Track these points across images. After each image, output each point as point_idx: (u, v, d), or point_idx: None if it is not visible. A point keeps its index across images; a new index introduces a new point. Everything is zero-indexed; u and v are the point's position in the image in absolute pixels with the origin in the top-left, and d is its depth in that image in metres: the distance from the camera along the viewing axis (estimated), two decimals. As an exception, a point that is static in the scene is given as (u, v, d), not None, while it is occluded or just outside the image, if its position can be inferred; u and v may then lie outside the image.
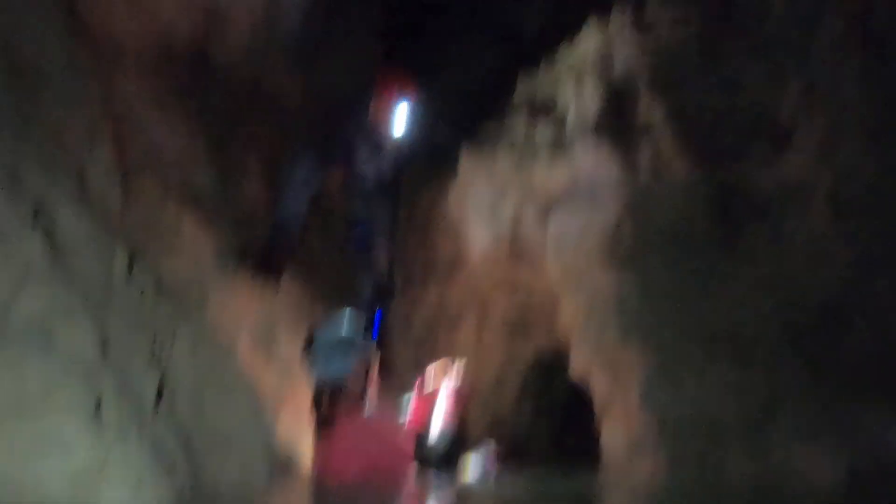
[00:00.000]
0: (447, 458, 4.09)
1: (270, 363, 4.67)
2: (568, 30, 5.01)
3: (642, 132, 4.37)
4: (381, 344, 5.29)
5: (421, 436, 4.10)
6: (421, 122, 5.24)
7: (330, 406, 3.93)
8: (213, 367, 3.68)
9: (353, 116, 5.32)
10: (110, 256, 3.02)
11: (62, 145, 3.34)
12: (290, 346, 4.87)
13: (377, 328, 5.25)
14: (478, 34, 6.53)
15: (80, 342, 2.52)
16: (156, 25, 4.85)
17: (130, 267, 3.12)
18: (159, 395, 2.95)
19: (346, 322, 3.85)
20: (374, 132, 5.28)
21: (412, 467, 3.91)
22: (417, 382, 4.29)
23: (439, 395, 4.23)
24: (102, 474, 2.27)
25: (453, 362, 4.20)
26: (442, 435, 4.03)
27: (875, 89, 3.80)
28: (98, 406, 2.40)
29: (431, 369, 4.22)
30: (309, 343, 3.74)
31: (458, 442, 4.13)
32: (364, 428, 3.81)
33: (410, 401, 4.26)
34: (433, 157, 5.74)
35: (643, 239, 4.29)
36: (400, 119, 5.14)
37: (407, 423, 4.12)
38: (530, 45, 5.85)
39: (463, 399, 4.21)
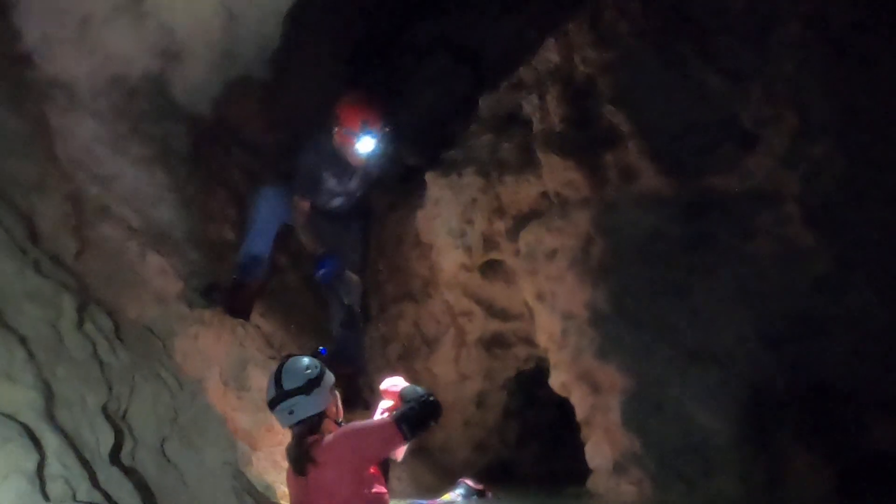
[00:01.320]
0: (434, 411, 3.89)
1: (243, 402, 4.57)
2: (528, 50, 4.95)
3: (608, 145, 4.31)
4: (356, 373, 5.20)
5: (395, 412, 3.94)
6: (386, 145, 5.17)
7: (313, 440, 3.81)
8: (178, 414, 3.58)
9: (318, 145, 5.24)
10: (57, 309, 2.92)
11: (7, 197, 3.25)
12: (265, 382, 4.76)
13: (326, 355, 5.15)
14: (441, 58, 6.48)
15: (20, 401, 2.42)
16: (109, 66, 4.77)
17: (81, 319, 3.03)
18: (114, 450, 2.85)
19: (304, 360, 3.74)
20: (340, 160, 5.21)
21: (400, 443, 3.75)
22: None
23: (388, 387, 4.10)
24: (46, 541, 2.18)
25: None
26: (411, 388, 3.88)
27: (838, 90, 3.75)
28: (40, 467, 2.31)
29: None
30: (282, 393, 3.59)
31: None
32: (336, 442, 3.68)
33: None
34: (400, 180, 5.67)
35: (615, 253, 4.21)
36: (366, 144, 5.06)
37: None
38: (492, 67, 5.82)
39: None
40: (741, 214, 3.92)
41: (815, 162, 3.72)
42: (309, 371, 3.70)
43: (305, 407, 3.64)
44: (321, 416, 3.72)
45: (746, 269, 3.91)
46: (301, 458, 3.69)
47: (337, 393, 3.88)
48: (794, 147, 3.73)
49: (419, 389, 3.82)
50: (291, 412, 3.64)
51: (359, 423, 3.86)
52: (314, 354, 3.79)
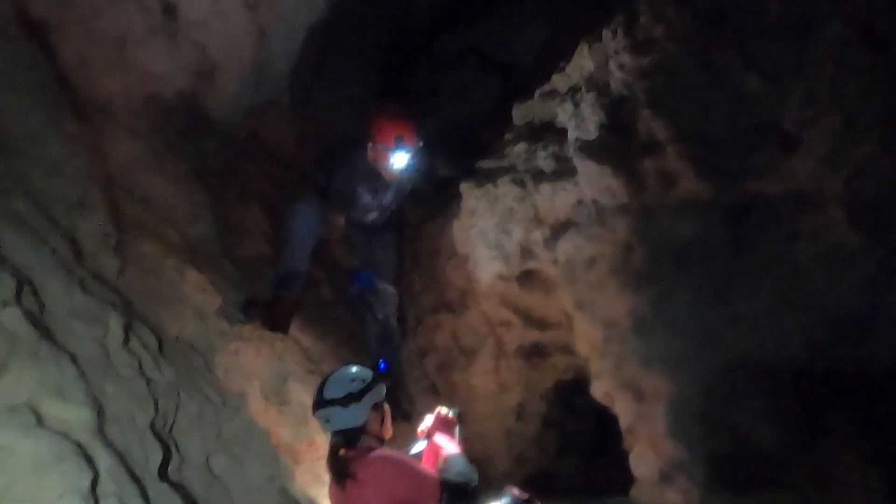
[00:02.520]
0: (472, 491, 3.92)
1: (284, 416, 4.57)
2: (561, 57, 4.93)
3: (646, 151, 4.26)
4: (395, 385, 5.19)
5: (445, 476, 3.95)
6: (420, 158, 5.18)
7: (348, 454, 3.81)
8: (221, 429, 3.59)
9: (352, 160, 5.26)
10: (104, 326, 2.94)
11: (49, 215, 3.28)
12: (305, 396, 4.77)
13: (387, 368, 5.17)
14: (471, 68, 6.50)
15: (72, 419, 2.43)
16: (144, 85, 4.83)
17: (126, 335, 3.04)
18: (163, 466, 2.85)
19: (353, 371, 3.76)
20: (374, 174, 5.23)
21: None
22: (419, 431, 4.15)
23: (437, 436, 4.10)
24: (101, 558, 2.18)
25: (449, 411, 4.08)
26: (462, 464, 3.88)
27: (879, 90, 3.68)
28: (94, 486, 2.31)
29: (428, 419, 4.09)
30: (321, 401, 3.63)
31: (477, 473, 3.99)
32: (384, 468, 3.69)
33: (417, 447, 4.13)
34: (435, 191, 5.67)
35: (655, 261, 4.16)
36: (400, 159, 5.08)
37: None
38: (523, 75, 5.82)
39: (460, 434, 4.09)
40: (783, 218, 3.86)
41: (858, 163, 3.66)
42: (353, 384, 3.71)
43: (341, 419, 3.67)
44: (358, 430, 3.73)
45: (789, 273, 3.85)
46: (338, 471, 3.71)
47: (386, 409, 3.89)
48: (837, 148, 3.66)
49: (472, 469, 3.81)
50: (327, 421, 3.69)
51: (408, 461, 3.85)
52: (374, 367, 3.80)
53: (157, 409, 3.03)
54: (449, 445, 3.96)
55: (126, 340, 3.02)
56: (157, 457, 2.80)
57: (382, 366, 4.23)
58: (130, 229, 4.25)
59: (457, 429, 4.11)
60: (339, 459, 3.73)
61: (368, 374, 3.84)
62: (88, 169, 3.92)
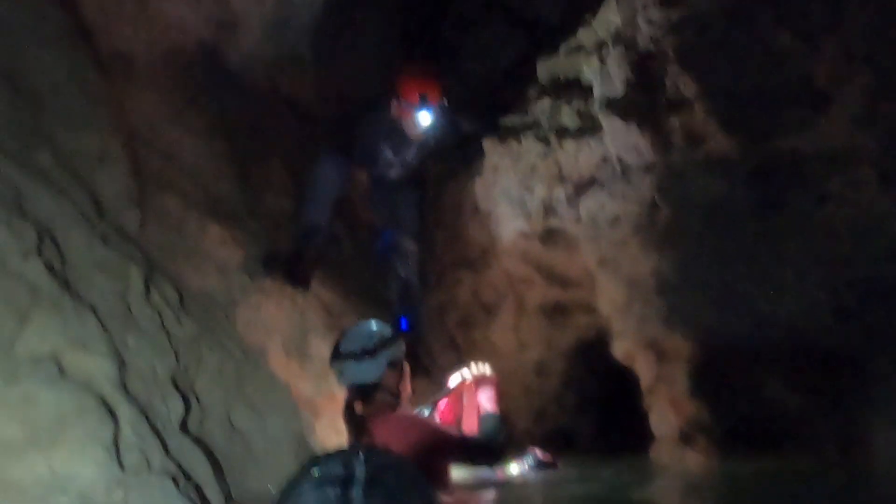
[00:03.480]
0: (497, 451, 3.97)
1: (305, 371, 4.60)
2: (587, 12, 4.82)
3: (673, 109, 4.18)
4: (416, 341, 5.19)
5: (465, 433, 4.00)
6: (443, 116, 5.13)
7: (364, 410, 3.84)
8: (242, 383, 3.60)
9: (375, 116, 5.22)
10: (125, 279, 2.94)
11: (71, 168, 3.27)
12: (326, 351, 4.79)
13: (409, 327, 5.17)
14: (497, 24, 6.38)
15: (94, 371, 2.44)
16: (165, 36, 4.79)
17: (147, 288, 3.04)
18: (184, 419, 2.87)
19: (373, 326, 3.77)
20: (397, 130, 5.19)
21: (456, 460, 3.80)
22: (446, 383, 4.18)
23: (479, 392, 4.12)
24: (123, 508, 2.19)
25: (479, 364, 4.10)
26: (494, 425, 3.93)
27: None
28: (116, 436, 2.32)
29: (459, 373, 4.12)
30: (336, 353, 3.65)
31: (506, 435, 4.03)
32: (400, 426, 3.72)
33: (439, 401, 4.16)
34: (458, 149, 5.62)
35: (681, 219, 4.11)
36: (424, 117, 5.03)
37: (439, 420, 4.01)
38: (549, 31, 5.71)
39: (499, 394, 4.11)
40: (813, 178, 3.78)
41: (891, 121, 3.57)
42: (370, 340, 3.73)
43: (354, 373, 3.71)
44: (372, 386, 3.76)
45: (818, 235, 3.77)
46: (354, 428, 3.76)
47: (406, 368, 3.90)
48: (870, 106, 3.57)
49: (499, 428, 3.86)
50: (341, 374, 3.73)
51: (426, 423, 3.87)
52: (395, 324, 3.82)
53: (178, 363, 3.04)
54: (487, 403, 3.99)
55: (147, 294, 3.02)
56: (178, 410, 2.81)
57: (404, 323, 4.24)
58: (152, 183, 4.24)
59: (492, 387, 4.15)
60: (355, 416, 3.76)
61: (388, 330, 3.85)
62: (110, 122, 3.90)
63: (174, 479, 2.29)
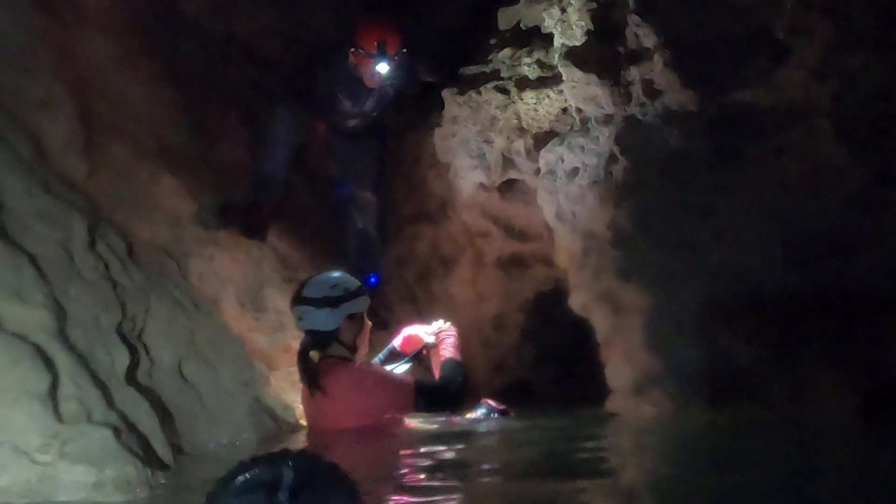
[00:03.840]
0: (454, 393, 4.03)
1: (260, 323, 4.56)
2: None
3: (633, 59, 4.13)
4: (374, 293, 5.17)
5: (420, 380, 4.03)
6: (402, 65, 5.04)
7: (319, 358, 3.87)
8: (194, 335, 3.54)
9: (333, 65, 5.12)
10: (68, 227, 2.86)
11: (11, 114, 3.16)
12: (282, 303, 4.74)
13: (376, 285, 5.14)
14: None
15: (30, 321, 2.37)
16: (117, -20, 4.62)
17: (93, 238, 2.96)
18: (130, 370, 2.81)
19: (338, 277, 3.80)
20: (356, 80, 5.09)
21: (412, 407, 3.85)
22: (400, 338, 4.19)
23: (440, 344, 4.17)
24: (60, 459, 2.14)
25: (444, 324, 4.14)
26: (453, 368, 3.99)
27: (875, 2, 3.56)
28: (53, 387, 2.27)
29: (414, 329, 4.15)
30: (297, 297, 3.69)
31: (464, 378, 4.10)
32: (352, 377, 3.74)
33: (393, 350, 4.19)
34: (417, 100, 5.54)
35: (638, 171, 4.08)
36: (382, 66, 4.94)
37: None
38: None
39: (460, 343, 4.14)
40: (770, 130, 3.77)
41: (849, 74, 3.55)
42: (333, 289, 3.80)
43: (312, 319, 3.80)
44: (329, 335, 3.80)
45: (774, 187, 3.78)
46: (308, 377, 3.80)
47: (366, 323, 3.93)
48: (829, 58, 3.55)
49: (457, 372, 3.90)
50: (300, 319, 3.83)
51: (380, 373, 3.89)
52: (363, 279, 3.92)
53: (124, 313, 2.96)
54: (447, 351, 4.05)
55: (92, 243, 2.94)
56: (123, 360, 2.75)
57: (373, 280, 4.23)
58: (101, 131, 4.12)
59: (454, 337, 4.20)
60: (310, 366, 3.78)
61: (353, 284, 3.88)
62: (56, 66, 3.77)
63: (116, 431, 2.24)
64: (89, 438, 2.18)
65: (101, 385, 2.45)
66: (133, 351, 2.93)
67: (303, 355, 3.85)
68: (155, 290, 3.37)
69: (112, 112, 4.37)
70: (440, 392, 3.96)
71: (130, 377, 2.82)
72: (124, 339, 2.86)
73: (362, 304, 3.95)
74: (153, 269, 3.60)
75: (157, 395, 3.06)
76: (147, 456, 2.44)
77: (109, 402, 2.42)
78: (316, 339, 3.84)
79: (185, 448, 3.12)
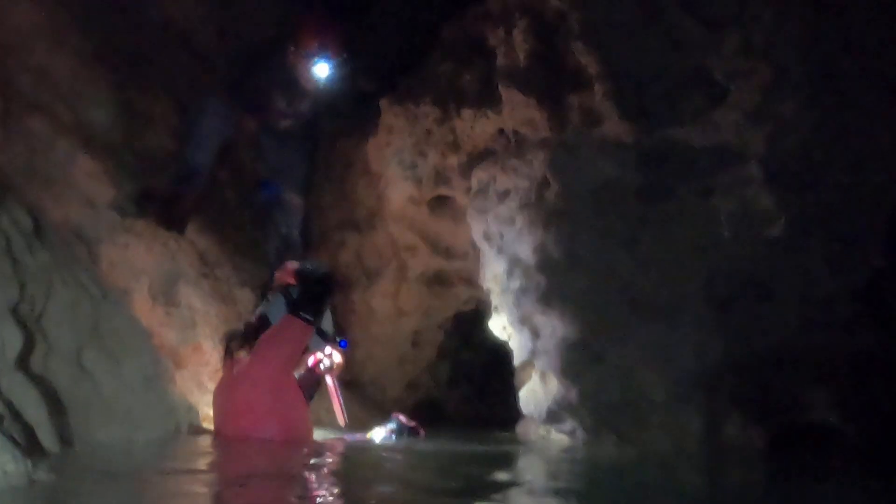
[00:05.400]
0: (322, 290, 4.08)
1: (171, 318, 4.40)
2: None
3: (573, 86, 4.13)
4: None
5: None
6: (341, 70, 4.96)
7: (237, 351, 3.83)
8: (98, 323, 3.37)
9: (271, 62, 5.01)
10: (-31, 198, 2.69)
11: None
12: (195, 300, 4.59)
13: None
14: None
15: (-83, 294, 2.20)
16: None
17: (-5, 211, 2.79)
18: (23, 354, 2.64)
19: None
20: (292, 80, 4.99)
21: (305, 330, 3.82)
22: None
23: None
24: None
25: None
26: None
27: (813, 51, 3.63)
28: (-66, 367, 2.11)
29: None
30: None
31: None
32: (252, 379, 3.69)
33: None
34: (354, 106, 5.45)
35: (569, 198, 4.07)
36: (320, 67, 4.86)
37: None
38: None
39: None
40: (702, 170, 3.81)
41: (783, 121, 3.61)
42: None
43: (274, 308, 3.95)
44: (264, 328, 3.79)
45: (701, 226, 3.82)
46: (229, 353, 3.78)
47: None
48: (764, 103, 3.60)
49: (308, 268, 3.93)
50: (267, 300, 4.00)
51: (264, 334, 3.86)
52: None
53: (22, 294, 2.79)
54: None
55: (-6, 217, 2.77)
56: (15, 344, 2.58)
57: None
58: (18, 101, 3.94)
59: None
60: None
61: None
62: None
63: (4, 413, 2.09)
64: (-33, 423, 2.03)
65: (-13, 368, 2.29)
66: (29, 334, 2.76)
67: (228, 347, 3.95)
68: (60, 273, 3.19)
69: (33, 85, 4.20)
70: (309, 292, 3.98)
71: (22, 362, 2.65)
72: (19, 320, 2.68)
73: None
74: (60, 252, 3.42)
75: (50, 383, 2.89)
76: (30, 446, 2.28)
77: (-5, 387, 2.27)
78: (245, 330, 3.93)
79: (76, 441, 2.95)
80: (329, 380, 4.00)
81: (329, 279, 4.01)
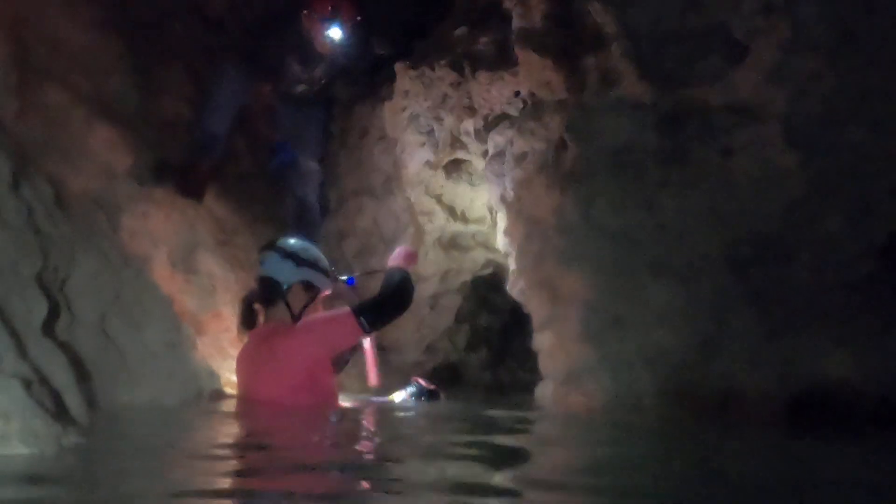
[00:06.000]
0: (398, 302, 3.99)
1: (191, 285, 4.44)
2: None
3: (590, 47, 4.10)
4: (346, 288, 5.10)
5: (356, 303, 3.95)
6: (356, 34, 4.94)
7: (262, 311, 3.87)
8: (120, 291, 3.41)
9: (284, 28, 5.00)
10: (-9, 168, 2.70)
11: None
12: (214, 266, 4.62)
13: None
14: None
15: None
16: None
17: (17, 182, 2.81)
18: (48, 322, 2.68)
19: (312, 246, 3.93)
20: (306, 45, 4.98)
21: (358, 334, 3.79)
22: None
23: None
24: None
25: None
26: (388, 279, 3.99)
27: (833, 10, 3.57)
28: (-41, 333, 2.14)
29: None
30: (269, 243, 3.96)
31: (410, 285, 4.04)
32: (292, 330, 3.70)
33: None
34: (368, 71, 5.43)
35: (587, 160, 4.05)
36: (333, 31, 4.84)
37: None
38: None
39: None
40: (721, 130, 3.77)
41: (803, 79, 3.56)
42: (303, 251, 3.92)
43: (272, 265, 3.85)
44: (278, 288, 3.78)
45: (720, 187, 3.78)
46: (244, 320, 3.78)
47: (317, 305, 3.93)
48: (784, 61, 3.56)
49: (394, 278, 3.85)
50: (262, 263, 3.90)
51: (317, 317, 3.81)
52: (337, 274, 4.13)
53: (46, 263, 2.82)
54: (395, 261, 4.12)
55: (16, 186, 2.78)
56: (41, 311, 2.61)
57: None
58: (35, 72, 3.94)
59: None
60: (250, 311, 3.90)
61: (325, 263, 3.99)
62: (-7, 1, 3.59)
63: (26, 382, 2.12)
64: (-5, 389, 2.06)
65: (14, 335, 2.31)
66: (53, 302, 2.79)
67: (246, 302, 3.91)
68: (82, 242, 3.23)
69: (49, 55, 4.20)
70: (381, 303, 3.88)
71: (48, 329, 2.68)
72: (44, 289, 2.71)
73: (323, 282, 3.93)
74: (81, 221, 3.45)
75: (76, 350, 2.93)
76: (58, 411, 2.31)
77: (22, 352, 2.29)
78: (265, 290, 3.85)
79: (102, 406, 3.00)
80: (367, 342, 4.02)
81: (406, 303, 3.93)
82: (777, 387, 3.81)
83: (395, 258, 4.08)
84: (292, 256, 3.83)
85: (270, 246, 3.89)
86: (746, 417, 3.74)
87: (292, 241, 3.95)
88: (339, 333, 3.73)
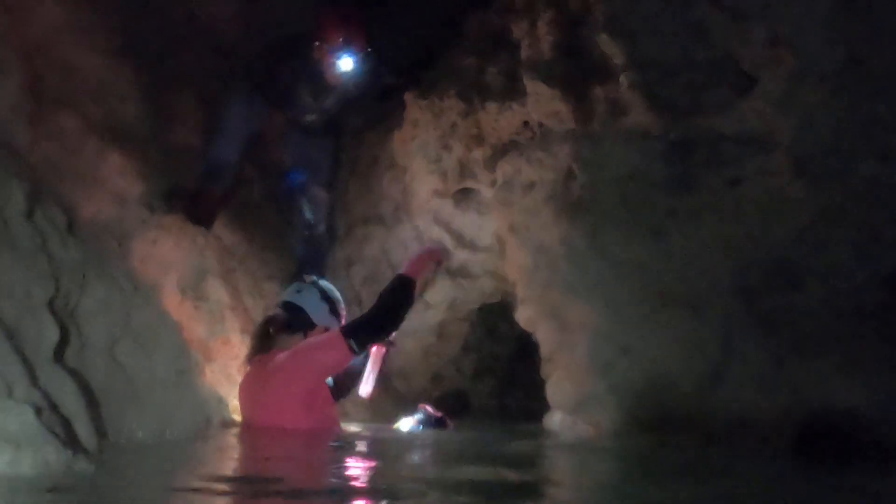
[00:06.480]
0: (390, 322, 4.15)
1: (199, 312, 4.45)
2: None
3: (598, 77, 4.13)
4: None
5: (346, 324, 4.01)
6: (366, 64, 4.99)
7: (276, 336, 3.90)
8: (130, 317, 3.42)
9: (296, 58, 5.05)
10: (4, 196, 2.73)
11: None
12: (223, 293, 4.63)
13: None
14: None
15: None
16: (77, -50, 4.48)
17: (31, 209, 2.84)
18: (59, 348, 2.69)
19: (339, 296, 4.26)
20: (317, 75, 5.03)
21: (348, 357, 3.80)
22: None
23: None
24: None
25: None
26: (385, 294, 4.10)
27: (840, 37, 3.59)
28: (-29, 359, 2.15)
29: None
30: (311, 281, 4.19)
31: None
32: (286, 353, 3.73)
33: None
34: (378, 100, 5.48)
35: (595, 190, 4.07)
36: (344, 61, 4.89)
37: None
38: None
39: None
40: (729, 159, 3.79)
41: (810, 109, 3.58)
42: (337, 301, 4.18)
43: (309, 299, 4.06)
44: (303, 321, 3.84)
45: (728, 216, 3.79)
46: (257, 342, 3.81)
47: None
48: (791, 92, 3.58)
49: (387, 295, 3.90)
50: (298, 291, 4.08)
51: (309, 342, 3.84)
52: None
53: (58, 289, 2.84)
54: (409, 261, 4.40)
55: (30, 213, 2.81)
56: (52, 337, 2.62)
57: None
58: (49, 100, 3.99)
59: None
60: (266, 334, 3.97)
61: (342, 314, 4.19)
62: (5, 31, 3.65)
63: (37, 409, 2.13)
64: (8, 415, 2.06)
65: (25, 361, 2.33)
66: (64, 328, 2.80)
67: (266, 325, 4.02)
68: (93, 268, 3.24)
69: (62, 82, 4.25)
70: (370, 322, 3.94)
71: (58, 355, 2.69)
72: (56, 315, 2.73)
73: (344, 345, 3.99)
74: (93, 247, 3.46)
75: (86, 377, 2.93)
76: (69, 438, 2.32)
77: (33, 379, 2.30)
78: (294, 319, 3.99)
79: (111, 434, 3.00)
80: (373, 351, 4.15)
81: (397, 320, 4.04)
82: (785, 415, 3.79)
83: (409, 261, 4.28)
84: (329, 301, 4.07)
85: (314, 282, 4.11)
86: (755, 445, 3.72)
87: (330, 285, 4.20)
88: (330, 357, 3.79)
